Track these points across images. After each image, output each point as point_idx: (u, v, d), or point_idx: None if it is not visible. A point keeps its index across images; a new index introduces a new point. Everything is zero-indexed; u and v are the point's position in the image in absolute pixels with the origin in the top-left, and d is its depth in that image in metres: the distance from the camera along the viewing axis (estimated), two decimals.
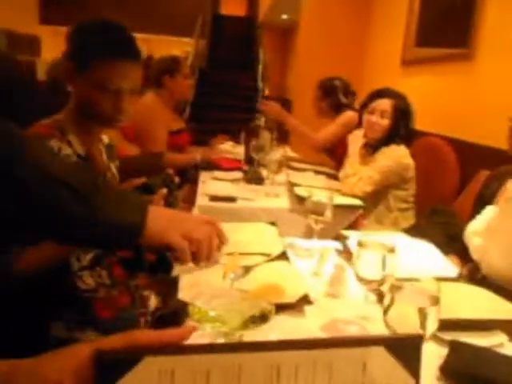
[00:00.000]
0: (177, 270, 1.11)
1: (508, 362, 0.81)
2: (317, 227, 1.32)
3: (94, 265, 1.24)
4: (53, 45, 8.96)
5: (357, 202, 2.00)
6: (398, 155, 2.11)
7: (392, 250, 0.88)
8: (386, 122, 2.13)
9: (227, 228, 0.88)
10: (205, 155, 2.44)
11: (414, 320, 0.72)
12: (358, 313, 0.98)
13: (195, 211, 1.82)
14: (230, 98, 7.43)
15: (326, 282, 1.13)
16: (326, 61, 4.27)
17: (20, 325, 1.08)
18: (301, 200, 1.78)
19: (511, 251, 1.24)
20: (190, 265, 0.80)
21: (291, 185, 2.10)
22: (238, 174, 2.33)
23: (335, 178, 2.39)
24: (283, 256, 1.23)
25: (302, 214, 1.67)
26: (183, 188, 2.69)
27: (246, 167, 2.36)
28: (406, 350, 0.43)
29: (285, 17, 7.98)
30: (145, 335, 0.43)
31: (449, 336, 0.88)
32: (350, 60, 4.35)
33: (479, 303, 1.03)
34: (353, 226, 1.92)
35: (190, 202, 2.13)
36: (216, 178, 2.27)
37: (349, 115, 2.86)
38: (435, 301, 0.73)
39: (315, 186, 2.03)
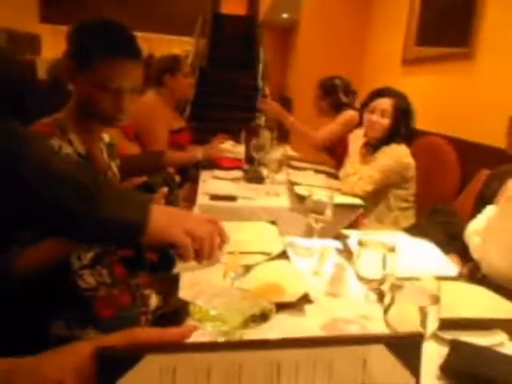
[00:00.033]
0: (178, 267, 1.12)
1: (508, 362, 0.81)
2: (317, 226, 1.32)
3: (94, 264, 1.24)
4: (53, 43, 8.96)
5: (357, 201, 2.00)
6: (398, 154, 2.11)
7: (392, 249, 0.88)
8: (386, 122, 2.13)
9: (227, 227, 0.88)
10: (206, 153, 2.44)
11: (415, 319, 0.72)
12: (358, 312, 0.98)
13: (196, 210, 1.82)
14: (230, 97, 7.43)
15: (327, 281, 1.13)
16: (326, 60, 4.27)
17: (20, 324, 1.08)
18: (301, 199, 1.78)
19: (511, 251, 1.24)
20: (192, 263, 0.81)
21: (291, 184, 2.10)
22: (239, 173, 2.33)
23: (335, 177, 2.39)
24: (283, 255, 1.23)
25: (302, 213, 1.67)
26: (184, 187, 2.69)
27: (246, 166, 2.36)
28: (406, 348, 0.43)
29: (285, 16, 7.98)
30: (146, 333, 0.44)
31: (449, 335, 0.88)
32: (350, 59, 4.34)
33: (479, 302, 1.03)
34: (353, 225, 1.92)
35: (191, 200, 2.13)
36: (216, 177, 2.27)
37: (349, 114, 2.86)
38: (435, 300, 0.73)
39: (315, 185, 2.03)
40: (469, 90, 2.58)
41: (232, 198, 1.91)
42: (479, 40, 2.47)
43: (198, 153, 2.42)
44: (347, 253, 1.31)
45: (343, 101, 2.94)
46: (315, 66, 4.19)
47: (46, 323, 1.16)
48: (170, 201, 2.03)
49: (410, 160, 2.13)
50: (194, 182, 2.44)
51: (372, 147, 2.20)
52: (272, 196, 2.03)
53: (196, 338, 0.46)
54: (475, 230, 1.38)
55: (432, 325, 0.73)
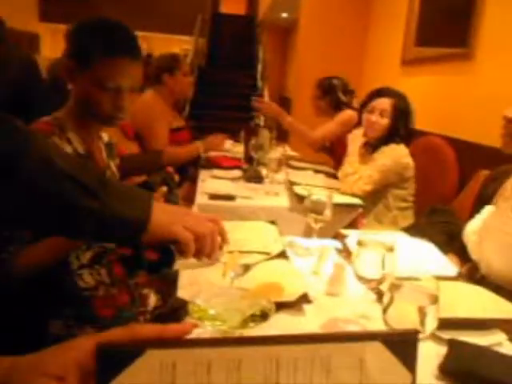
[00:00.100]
0: (178, 264, 1.12)
1: (506, 361, 0.81)
2: (316, 226, 1.32)
3: (93, 263, 1.24)
4: (52, 42, 8.96)
5: (356, 200, 2.00)
6: (397, 154, 2.11)
7: (391, 249, 0.88)
8: (385, 121, 2.13)
9: (227, 226, 0.88)
10: (208, 145, 2.44)
11: (414, 319, 0.72)
12: (357, 311, 0.98)
13: (195, 209, 1.82)
14: (229, 97, 7.42)
15: (326, 281, 1.13)
16: (325, 60, 4.27)
17: (20, 323, 1.08)
18: (300, 199, 1.78)
19: (505, 249, 1.24)
20: (192, 260, 0.80)
21: (291, 183, 2.10)
22: (238, 173, 2.33)
23: (334, 176, 2.39)
24: (283, 255, 1.23)
25: (301, 213, 1.67)
26: (183, 186, 2.69)
27: (245, 166, 2.36)
28: (402, 345, 0.44)
29: (285, 15, 7.98)
30: (146, 329, 0.44)
31: (448, 335, 0.88)
32: (349, 59, 4.35)
33: (478, 302, 1.03)
34: (352, 224, 1.93)
35: (190, 200, 2.13)
36: (215, 177, 2.27)
37: (348, 114, 2.86)
38: (434, 300, 0.73)
39: (315, 185, 2.03)
40: (468, 91, 2.59)
41: (231, 198, 1.91)
42: (479, 40, 2.47)
43: (200, 146, 2.42)
44: (346, 252, 1.31)
45: (342, 100, 2.94)
46: (315, 66, 4.19)
47: (45, 322, 1.16)
48: (169, 200, 2.03)
49: (408, 160, 2.13)
50: (193, 181, 2.44)
51: (371, 147, 2.21)
52: (271, 196, 2.03)
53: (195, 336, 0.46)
54: (474, 231, 1.38)
55: (431, 324, 0.73)
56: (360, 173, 2.11)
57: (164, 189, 1.23)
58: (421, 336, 0.72)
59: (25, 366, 0.43)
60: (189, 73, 2.86)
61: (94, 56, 1.17)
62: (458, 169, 2.39)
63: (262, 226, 1.42)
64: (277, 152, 2.57)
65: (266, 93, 6.97)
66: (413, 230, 1.58)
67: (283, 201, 1.96)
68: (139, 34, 1.26)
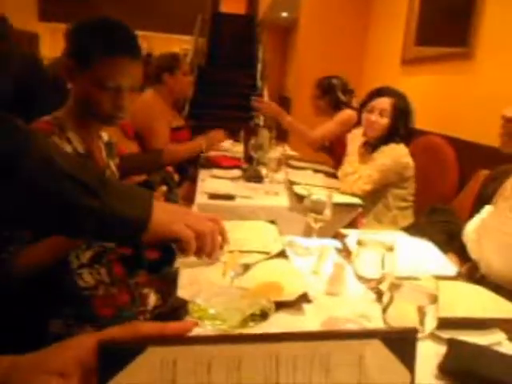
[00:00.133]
0: (178, 263, 1.12)
1: (506, 361, 0.81)
2: (316, 226, 1.32)
3: (93, 262, 1.24)
4: (51, 42, 8.95)
5: (356, 200, 2.00)
6: (397, 154, 2.11)
7: (391, 249, 0.88)
8: (385, 121, 2.13)
9: (227, 226, 0.88)
10: (210, 141, 2.43)
11: (413, 318, 0.72)
12: (357, 311, 0.98)
13: (194, 209, 1.82)
14: (229, 96, 7.42)
15: (325, 281, 1.13)
16: (325, 59, 4.26)
17: (20, 322, 1.08)
18: (300, 198, 1.78)
19: (504, 249, 1.24)
20: (192, 258, 0.81)
21: (290, 183, 2.10)
22: (237, 172, 2.33)
23: (334, 176, 2.39)
24: (282, 254, 1.23)
25: (301, 213, 1.67)
26: (182, 186, 2.69)
27: (245, 165, 2.36)
28: (401, 343, 0.44)
29: (284, 15, 7.98)
30: (147, 326, 0.44)
31: (447, 334, 0.88)
32: (349, 59, 4.34)
33: (478, 302, 1.03)
34: (352, 224, 1.93)
35: (190, 199, 2.13)
36: (215, 176, 2.27)
37: (347, 113, 2.86)
38: (434, 299, 0.73)
39: (314, 185, 2.03)
40: (468, 90, 2.59)
41: (230, 197, 1.91)
42: (478, 40, 2.47)
43: (202, 141, 2.42)
44: (346, 252, 1.31)
45: (341, 99, 2.94)
46: (315, 65, 4.19)
47: (45, 322, 1.16)
48: (168, 199, 2.04)
49: (408, 160, 2.13)
50: (193, 180, 2.44)
51: (371, 147, 2.21)
52: (271, 195, 2.03)
53: None
54: (473, 230, 1.38)
55: (430, 324, 0.73)
56: (360, 172, 2.11)
57: (164, 188, 1.23)
58: (420, 335, 0.72)
59: (25, 365, 0.43)
60: (189, 72, 2.86)
61: (94, 55, 1.17)
62: (458, 168, 2.39)
63: (262, 225, 1.42)
64: (276, 152, 2.57)
65: (265, 92, 6.96)
66: (413, 230, 1.58)
67: (283, 200, 1.96)
68: (139, 33, 1.26)
